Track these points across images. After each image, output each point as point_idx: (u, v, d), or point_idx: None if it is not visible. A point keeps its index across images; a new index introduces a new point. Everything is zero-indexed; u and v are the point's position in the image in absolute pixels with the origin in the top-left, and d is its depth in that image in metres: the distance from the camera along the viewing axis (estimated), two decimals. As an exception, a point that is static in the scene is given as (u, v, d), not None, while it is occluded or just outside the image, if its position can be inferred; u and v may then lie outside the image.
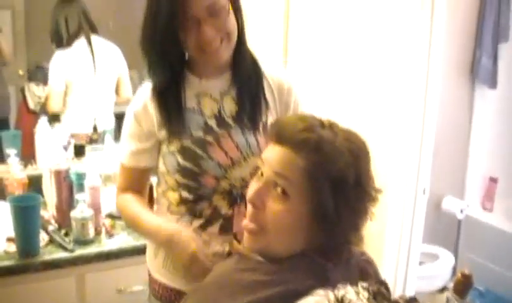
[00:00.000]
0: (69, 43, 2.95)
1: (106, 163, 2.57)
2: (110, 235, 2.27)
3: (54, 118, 2.82)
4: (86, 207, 2.19)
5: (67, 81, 2.96)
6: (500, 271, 3.62)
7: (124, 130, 1.64)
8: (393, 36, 2.34)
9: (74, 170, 2.35)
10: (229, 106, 1.57)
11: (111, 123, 3.07)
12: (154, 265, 1.67)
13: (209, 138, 1.52)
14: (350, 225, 1.12)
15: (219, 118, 1.55)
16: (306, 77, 2.79)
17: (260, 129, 1.57)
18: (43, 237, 2.17)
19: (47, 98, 3.02)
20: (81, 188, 2.30)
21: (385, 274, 2.41)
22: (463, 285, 1.19)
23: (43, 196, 2.39)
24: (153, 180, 1.76)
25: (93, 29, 3.04)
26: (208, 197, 1.54)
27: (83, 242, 2.18)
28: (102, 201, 2.32)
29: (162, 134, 1.55)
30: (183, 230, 1.43)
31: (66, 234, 2.23)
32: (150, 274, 1.71)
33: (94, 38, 3.02)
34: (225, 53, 1.49)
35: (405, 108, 2.32)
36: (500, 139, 3.89)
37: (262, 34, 2.90)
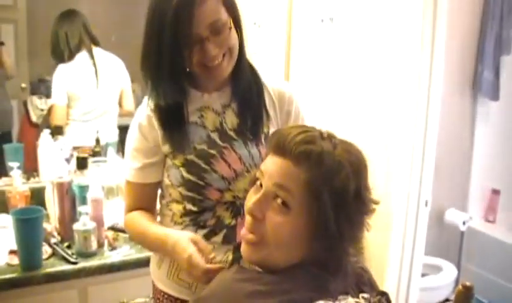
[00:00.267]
0: (70, 57, 2.96)
1: (109, 176, 2.58)
2: (112, 247, 2.27)
3: (57, 131, 2.83)
4: (89, 220, 2.19)
5: (70, 94, 2.97)
6: (503, 283, 3.61)
7: (129, 146, 1.62)
8: (395, 49, 2.35)
9: (76, 183, 2.35)
10: (231, 119, 1.57)
11: (114, 136, 3.07)
12: (158, 275, 1.67)
13: (212, 151, 1.53)
14: (349, 237, 1.12)
15: (221, 132, 1.56)
16: (308, 87, 2.80)
17: (262, 140, 1.57)
18: (45, 250, 2.16)
19: (50, 112, 3.03)
20: (83, 201, 2.30)
21: (387, 285, 2.41)
22: (464, 297, 1.19)
23: (45, 209, 2.39)
24: (156, 191, 1.75)
25: (95, 42, 3.05)
26: (212, 209, 1.55)
27: (85, 254, 2.17)
28: (104, 213, 2.32)
29: (166, 148, 1.55)
30: (181, 238, 1.42)
31: (69, 247, 2.23)
32: (154, 285, 1.71)
33: (96, 50, 3.04)
34: (228, 68, 1.50)
35: (407, 120, 2.33)
36: (502, 151, 3.90)
37: (265, 45, 2.92)
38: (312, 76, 2.80)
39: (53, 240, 2.24)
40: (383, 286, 2.35)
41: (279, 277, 1.10)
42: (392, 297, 1.05)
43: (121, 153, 2.70)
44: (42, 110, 3.08)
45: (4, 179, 2.71)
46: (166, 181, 1.60)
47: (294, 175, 1.08)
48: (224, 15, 1.44)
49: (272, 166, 1.12)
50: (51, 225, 2.37)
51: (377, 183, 1.16)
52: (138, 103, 1.80)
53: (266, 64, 2.95)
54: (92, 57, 3.00)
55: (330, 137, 1.13)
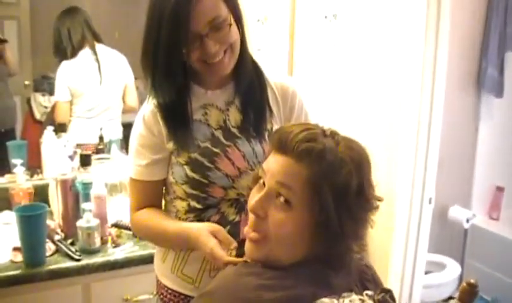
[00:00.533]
0: (73, 54, 2.97)
1: (112, 173, 2.58)
2: (116, 244, 2.27)
3: (60, 128, 2.83)
4: (92, 217, 2.19)
5: (73, 91, 2.97)
6: (507, 280, 3.60)
7: (134, 143, 1.60)
8: (399, 45, 2.34)
9: (80, 180, 2.35)
10: (234, 116, 1.57)
11: (118, 133, 3.07)
12: (162, 270, 1.67)
13: (216, 150, 1.52)
14: (352, 234, 1.12)
15: (225, 129, 1.55)
16: (311, 84, 2.80)
17: (266, 137, 1.57)
18: (49, 247, 2.17)
19: (53, 109, 3.03)
20: (87, 197, 2.31)
21: (391, 283, 2.41)
22: (468, 294, 1.18)
23: (49, 206, 2.39)
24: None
25: (97, 38, 3.05)
26: (215, 206, 1.55)
27: (89, 251, 2.18)
28: (107, 210, 2.33)
29: (170, 145, 1.54)
30: (202, 232, 1.41)
31: (72, 243, 2.24)
32: (157, 280, 1.71)
33: (99, 47, 3.04)
34: (230, 64, 1.49)
35: (410, 117, 2.32)
36: (506, 148, 3.89)
37: (268, 41, 2.92)
38: (316, 72, 2.79)
39: (56, 237, 2.24)
40: (386, 283, 2.35)
41: (282, 272, 1.10)
42: (396, 294, 1.05)
43: (125, 150, 2.70)
44: (46, 107, 3.09)
45: (8, 176, 2.72)
46: (170, 178, 1.59)
47: (296, 172, 1.08)
48: (223, 11, 1.43)
49: (274, 164, 1.12)
50: (54, 221, 2.38)
51: (381, 180, 1.16)
52: (141, 99, 1.80)
53: (270, 60, 2.94)
54: (95, 53, 3.00)
55: (333, 134, 1.13)
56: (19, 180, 2.51)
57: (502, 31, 3.63)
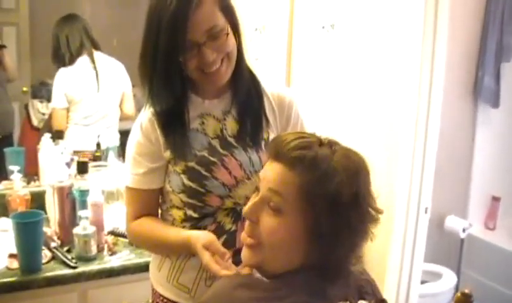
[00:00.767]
0: (71, 61, 2.97)
1: (109, 180, 2.58)
2: (112, 252, 2.27)
3: (57, 135, 2.83)
4: (89, 224, 2.19)
5: (70, 97, 2.98)
6: (503, 290, 3.61)
7: (131, 151, 1.59)
8: (396, 55, 2.35)
9: (77, 187, 2.35)
10: (231, 126, 1.57)
11: (115, 140, 3.07)
12: (158, 278, 1.67)
13: (213, 159, 1.53)
14: (348, 244, 1.11)
15: (222, 139, 1.56)
16: (309, 93, 2.81)
17: (262, 146, 1.58)
18: (45, 254, 2.17)
19: (50, 116, 3.03)
20: (83, 205, 2.31)
21: (387, 292, 2.41)
22: (463, 304, 1.19)
23: (46, 213, 2.39)
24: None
25: (96, 46, 3.06)
26: (212, 215, 1.55)
27: (85, 258, 2.18)
28: (104, 218, 2.33)
29: (167, 154, 1.54)
30: (197, 246, 1.41)
31: (69, 251, 2.24)
32: (153, 289, 1.71)
33: (97, 54, 3.04)
34: (227, 73, 1.50)
35: (407, 127, 2.33)
36: (503, 157, 3.90)
37: (266, 51, 2.93)
38: (313, 82, 2.80)
39: (53, 244, 2.24)
40: (383, 292, 2.34)
41: (277, 283, 1.10)
42: (392, 304, 1.05)
43: (122, 157, 2.70)
44: (43, 114, 3.09)
45: (5, 183, 2.71)
46: (167, 187, 1.59)
47: (288, 179, 1.09)
48: (221, 20, 1.44)
49: (268, 171, 1.14)
50: (51, 229, 2.38)
51: (377, 189, 1.16)
52: (139, 107, 1.80)
53: (268, 69, 2.95)
54: (93, 61, 3.01)
55: (331, 143, 1.14)
56: (16, 187, 2.51)
57: (498, 42, 3.64)
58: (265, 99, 1.62)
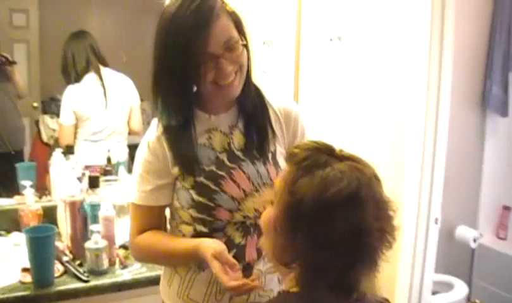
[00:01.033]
0: (77, 79, 3.00)
1: (120, 195, 2.60)
2: (124, 265, 2.28)
3: (68, 150, 2.85)
4: (100, 238, 2.21)
5: (78, 114, 3.00)
6: (515, 300, 3.59)
7: (139, 168, 1.60)
8: (403, 66, 2.36)
9: (88, 201, 2.37)
10: (238, 139, 1.58)
11: (124, 154, 3.09)
12: (168, 294, 1.67)
13: (221, 172, 1.53)
14: (340, 265, 1.09)
15: (229, 152, 1.57)
16: (317, 105, 2.82)
17: (270, 158, 1.59)
18: (57, 268, 2.18)
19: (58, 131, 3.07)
20: (95, 219, 2.32)
21: (398, 304, 2.40)
22: (473, 314, 1.19)
23: (57, 227, 2.41)
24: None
25: (103, 62, 3.08)
26: (222, 229, 1.55)
27: (97, 272, 2.19)
28: (115, 232, 2.34)
29: (175, 170, 1.54)
30: (207, 256, 1.41)
31: (80, 265, 2.25)
32: None
33: (105, 71, 3.06)
34: (239, 87, 1.51)
35: (416, 138, 2.33)
36: (512, 167, 3.89)
37: (274, 63, 2.95)
38: (321, 94, 2.81)
39: (65, 258, 2.25)
40: (393, 303, 2.35)
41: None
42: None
43: (132, 171, 2.71)
44: (54, 130, 3.11)
45: (17, 197, 2.74)
46: (176, 203, 1.59)
47: (284, 174, 1.15)
48: (235, 33, 1.46)
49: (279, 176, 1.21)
50: (63, 243, 2.39)
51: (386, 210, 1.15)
52: (148, 121, 1.81)
53: (276, 82, 2.97)
54: (100, 77, 3.03)
55: (346, 156, 1.15)
56: (28, 202, 2.52)
57: (505, 51, 3.65)
58: (271, 112, 1.63)
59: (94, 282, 2.14)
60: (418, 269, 2.44)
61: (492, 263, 3.83)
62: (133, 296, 2.21)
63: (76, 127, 3.03)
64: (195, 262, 1.54)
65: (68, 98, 2.99)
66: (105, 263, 2.22)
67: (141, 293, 2.21)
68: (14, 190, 2.77)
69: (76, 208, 2.33)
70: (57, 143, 3.06)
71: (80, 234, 2.34)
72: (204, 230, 1.55)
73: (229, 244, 1.54)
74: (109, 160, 2.93)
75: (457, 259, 3.87)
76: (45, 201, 2.75)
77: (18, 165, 2.89)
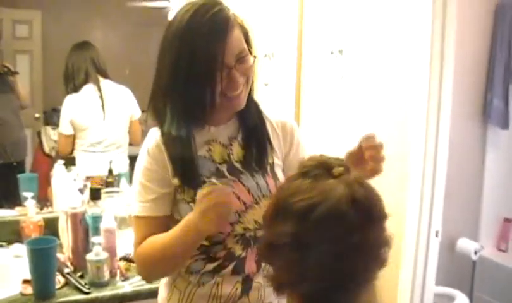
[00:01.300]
0: (76, 89, 3.02)
1: (121, 206, 2.60)
2: (125, 277, 2.28)
3: (70, 161, 2.86)
4: (102, 250, 2.21)
5: (76, 124, 3.02)
6: (517, 313, 3.58)
7: (140, 179, 1.54)
8: (404, 79, 2.37)
9: (90, 213, 2.38)
10: (237, 151, 1.58)
11: (125, 166, 3.10)
12: None
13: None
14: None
15: (229, 164, 1.56)
16: (319, 118, 2.83)
17: (268, 171, 1.59)
18: (59, 279, 2.19)
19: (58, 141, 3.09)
20: (96, 231, 2.32)
21: (399, 317, 2.40)
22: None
23: (59, 239, 2.41)
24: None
25: (103, 75, 3.09)
26: (222, 242, 1.54)
27: (98, 284, 2.19)
28: (117, 243, 2.34)
29: (175, 181, 1.52)
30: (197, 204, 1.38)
31: (82, 276, 2.25)
32: None
33: (105, 82, 3.08)
34: (245, 98, 1.51)
35: (416, 150, 2.34)
36: (513, 179, 3.89)
37: (276, 76, 2.96)
38: (322, 106, 2.82)
39: (66, 270, 2.26)
40: (394, 316, 2.35)
41: None
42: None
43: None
44: (55, 141, 3.13)
45: (18, 209, 2.74)
46: (175, 216, 1.55)
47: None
48: (245, 45, 1.47)
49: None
50: (64, 254, 2.40)
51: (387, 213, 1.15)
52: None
53: (277, 95, 2.98)
54: (99, 89, 3.04)
55: (351, 178, 1.06)
56: (30, 213, 2.53)
57: (506, 64, 3.66)
58: (268, 125, 1.64)
59: (95, 294, 2.15)
60: (419, 281, 2.44)
61: (493, 275, 3.82)
62: (134, 308, 2.21)
63: (74, 137, 3.05)
64: (197, 235, 1.42)
65: (66, 107, 3.02)
66: (106, 275, 2.22)
67: (142, 305, 2.21)
68: (16, 202, 2.78)
69: (77, 220, 2.33)
70: (58, 154, 3.07)
71: (81, 246, 2.35)
72: (205, 242, 1.53)
73: (230, 256, 1.54)
74: (110, 171, 2.94)
75: (459, 272, 3.86)
76: (47, 212, 2.75)
77: (19, 176, 2.90)
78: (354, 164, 1.35)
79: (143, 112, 3.18)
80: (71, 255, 2.37)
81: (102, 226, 2.30)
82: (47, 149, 3.18)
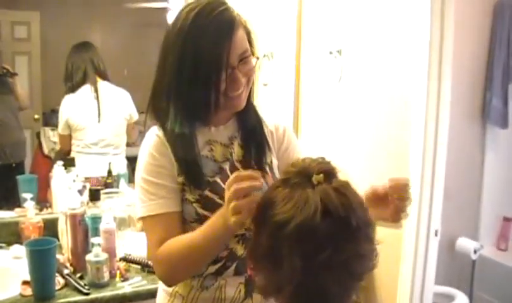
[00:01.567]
0: (73, 89, 3.03)
1: (121, 207, 2.60)
2: (124, 278, 2.29)
3: (69, 162, 2.86)
4: (101, 251, 2.21)
5: (70, 123, 3.03)
6: (516, 312, 3.58)
7: (146, 177, 1.49)
8: (403, 79, 2.37)
9: (89, 214, 2.38)
10: (237, 151, 1.58)
11: (123, 167, 3.10)
12: None
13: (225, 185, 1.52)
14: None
15: (231, 162, 1.56)
16: (317, 119, 2.83)
17: (267, 170, 1.59)
18: (58, 280, 2.18)
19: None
20: (96, 232, 2.33)
21: (399, 316, 2.40)
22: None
23: (58, 240, 2.41)
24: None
25: (102, 76, 3.09)
26: None
27: (97, 285, 2.19)
28: (116, 244, 2.34)
29: (180, 179, 1.50)
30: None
31: (81, 277, 2.25)
32: None
33: (102, 84, 3.08)
34: (245, 99, 1.51)
35: (415, 151, 2.34)
36: (513, 178, 3.89)
37: (274, 76, 2.96)
38: (321, 107, 2.82)
39: (66, 271, 2.25)
40: (394, 316, 2.35)
41: None
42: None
43: (132, 183, 2.72)
44: (54, 142, 3.13)
45: (18, 210, 2.74)
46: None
47: None
48: (248, 45, 1.47)
49: None
50: (64, 255, 2.40)
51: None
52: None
53: (276, 95, 2.98)
54: (96, 91, 3.04)
55: (335, 182, 1.05)
56: (29, 214, 2.53)
57: (505, 63, 3.65)
58: (264, 127, 1.64)
59: (95, 295, 2.15)
60: (418, 281, 2.44)
61: (492, 274, 3.82)
62: (133, 309, 2.21)
63: (70, 137, 3.06)
64: (224, 228, 1.29)
65: (63, 106, 3.02)
66: (106, 276, 2.22)
67: (141, 306, 2.21)
68: (15, 203, 2.78)
69: (77, 221, 2.33)
70: (57, 155, 3.07)
71: (81, 247, 2.35)
72: None
73: (232, 257, 1.54)
74: (109, 172, 2.94)
75: (458, 271, 3.86)
76: (46, 214, 2.75)
77: (19, 178, 2.90)
78: (376, 203, 1.33)
79: (142, 113, 3.18)
80: (70, 257, 2.37)
81: (102, 227, 2.31)
82: (46, 150, 3.18)
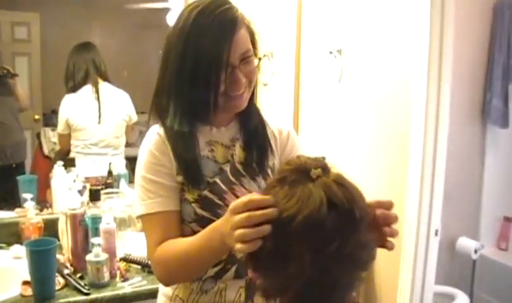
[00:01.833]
0: (75, 89, 3.03)
1: (121, 207, 2.60)
2: (124, 278, 2.29)
3: (69, 163, 2.87)
4: (101, 251, 2.21)
5: (70, 123, 3.04)
6: (517, 312, 3.58)
7: (146, 175, 1.49)
8: (403, 79, 2.36)
9: (89, 214, 2.37)
10: (238, 153, 1.57)
11: (123, 167, 3.10)
12: None
13: (225, 187, 1.52)
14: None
15: (232, 164, 1.56)
16: (317, 120, 2.83)
17: (269, 173, 1.58)
18: (58, 281, 2.18)
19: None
20: (96, 232, 2.32)
21: (399, 316, 2.40)
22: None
23: (58, 240, 2.41)
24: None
25: (104, 77, 3.10)
26: None
27: (98, 285, 2.19)
28: (116, 245, 2.34)
29: (179, 179, 1.49)
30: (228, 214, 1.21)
31: (81, 277, 2.25)
32: None
33: (103, 85, 3.09)
34: (247, 99, 1.50)
35: (415, 151, 2.34)
36: (513, 178, 3.90)
37: (274, 76, 2.96)
38: (321, 107, 2.82)
39: (66, 271, 2.25)
40: (394, 316, 2.35)
41: None
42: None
43: (132, 184, 2.72)
44: (55, 143, 3.14)
45: (18, 210, 2.74)
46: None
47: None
48: (250, 45, 1.46)
49: None
50: (64, 256, 2.40)
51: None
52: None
53: (276, 95, 2.98)
54: (97, 91, 3.05)
55: (332, 177, 1.05)
56: (29, 215, 2.53)
57: (505, 63, 3.66)
58: (267, 128, 1.63)
59: (95, 295, 2.15)
60: (418, 280, 2.44)
61: (493, 274, 3.82)
62: (134, 309, 2.21)
63: (69, 137, 3.07)
64: (221, 245, 1.25)
65: (63, 106, 3.03)
66: (106, 276, 2.22)
67: (142, 306, 2.21)
68: (15, 203, 2.78)
69: (77, 221, 2.33)
70: (57, 155, 3.07)
71: (81, 247, 2.35)
72: None
73: (232, 259, 1.53)
74: (110, 172, 2.94)
75: (459, 271, 3.86)
76: (46, 214, 2.75)
77: (19, 178, 2.90)
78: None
79: (142, 113, 3.19)
80: (70, 257, 2.37)
81: (102, 227, 2.30)
82: (46, 151, 3.19)
